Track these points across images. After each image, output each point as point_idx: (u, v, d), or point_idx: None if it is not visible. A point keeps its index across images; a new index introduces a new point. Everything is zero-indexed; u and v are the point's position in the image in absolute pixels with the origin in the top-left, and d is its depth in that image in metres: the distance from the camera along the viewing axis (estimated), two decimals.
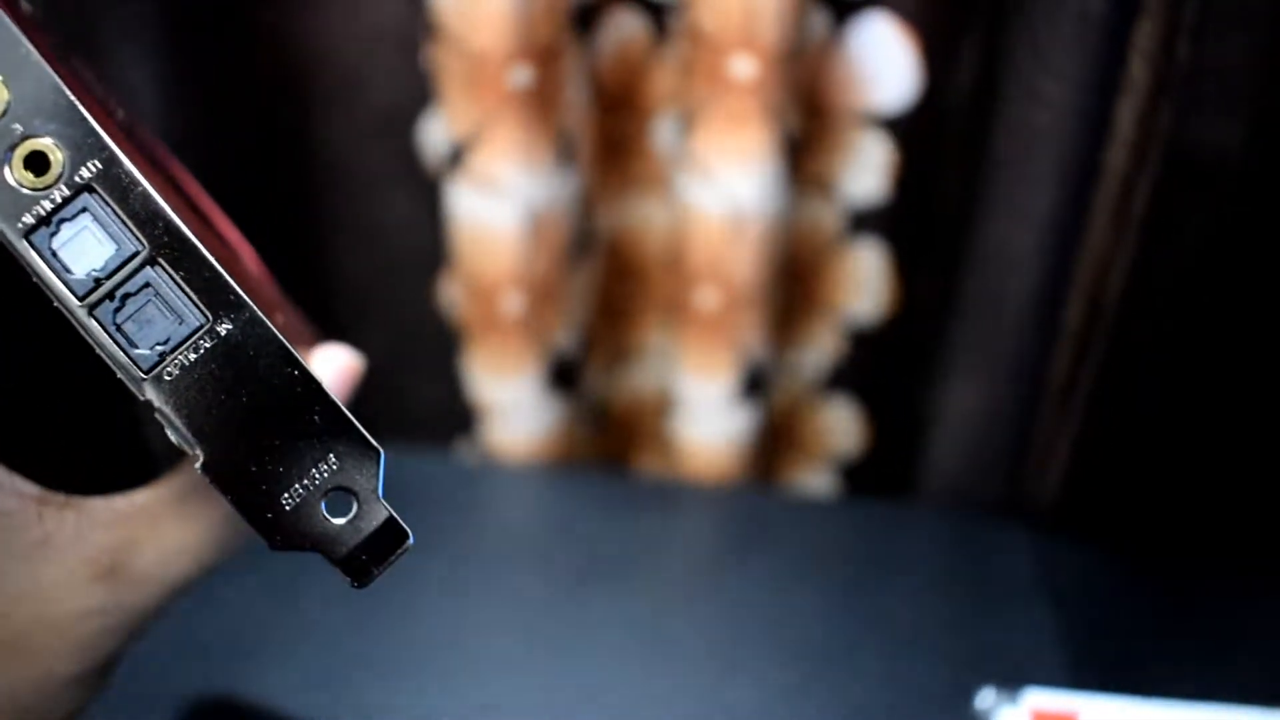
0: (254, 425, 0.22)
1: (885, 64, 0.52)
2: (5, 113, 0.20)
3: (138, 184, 0.21)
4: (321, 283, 0.60)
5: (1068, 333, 0.54)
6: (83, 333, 0.21)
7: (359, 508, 0.23)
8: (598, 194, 0.57)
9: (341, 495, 0.23)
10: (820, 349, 0.61)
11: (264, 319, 0.22)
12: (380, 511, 0.23)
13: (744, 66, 0.49)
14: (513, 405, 0.60)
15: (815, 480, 0.65)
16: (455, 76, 0.51)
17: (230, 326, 0.22)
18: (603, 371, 0.63)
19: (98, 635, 0.24)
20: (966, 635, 0.50)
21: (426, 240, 0.58)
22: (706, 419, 0.59)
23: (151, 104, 0.51)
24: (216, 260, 0.22)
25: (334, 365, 0.29)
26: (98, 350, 0.21)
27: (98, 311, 0.21)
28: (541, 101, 0.51)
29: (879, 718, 0.46)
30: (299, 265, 0.55)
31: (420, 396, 0.63)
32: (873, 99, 0.53)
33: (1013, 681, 0.46)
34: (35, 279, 0.21)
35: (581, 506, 0.58)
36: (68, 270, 0.21)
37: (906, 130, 0.53)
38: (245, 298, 0.22)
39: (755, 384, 0.59)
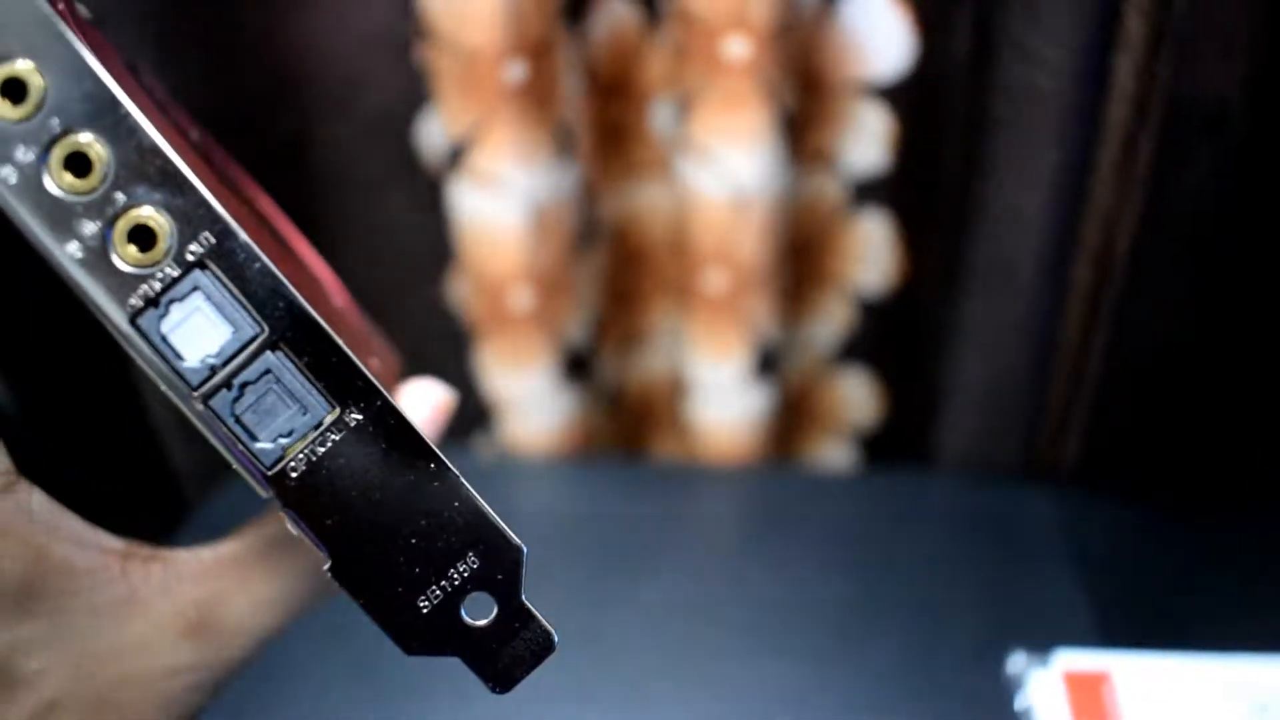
0: (387, 523, 0.20)
1: (879, 34, 0.51)
2: (105, 179, 0.18)
3: (256, 258, 0.19)
4: None
5: (1078, 291, 0.54)
6: (198, 424, 0.19)
7: (500, 609, 0.21)
8: (600, 182, 0.57)
9: (481, 596, 0.21)
10: (831, 322, 0.61)
11: (396, 406, 0.20)
12: (523, 613, 0.21)
13: (737, 47, 0.49)
14: (527, 398, 0.60)
15: (834, 453, 0.65)
16: (450, 76, 0.51)
17: (360, 417, 0.19)
18: (615, 358, 0.63)
19: (185, 692, 0.23)
20: (995, 600, 0.50)
21: (431, 239, 0.58)
22: (721, 400, 0.59)
23: None
24: (341, 339, 0.20)
25: (428, 401, 0.28)
26: (214, 443, 0.19)
27: (214, 402, 0.19)
28: (537, 96, 0.51)
29: (911, 686, 0.46)
30: None
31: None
32: (869, 69, 0.52)
33: (1043, 643, 0.46)
34: (144, 366, 0.19)
35: (602, 495, 0.59)
36: (179, 357, 0.19)
37: (905, 99, 0.53)
38: (376, 383, 0.20)
39: (768, 362, 0.59)
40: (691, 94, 0.51)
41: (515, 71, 0.50)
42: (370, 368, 0.20)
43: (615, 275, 0.60)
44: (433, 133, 0.54)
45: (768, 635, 0.49)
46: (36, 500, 0.21)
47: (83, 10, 0.23)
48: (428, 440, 0.20)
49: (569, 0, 0.51)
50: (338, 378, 0.19)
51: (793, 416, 0.63)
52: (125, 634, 0.23)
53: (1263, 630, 0.47)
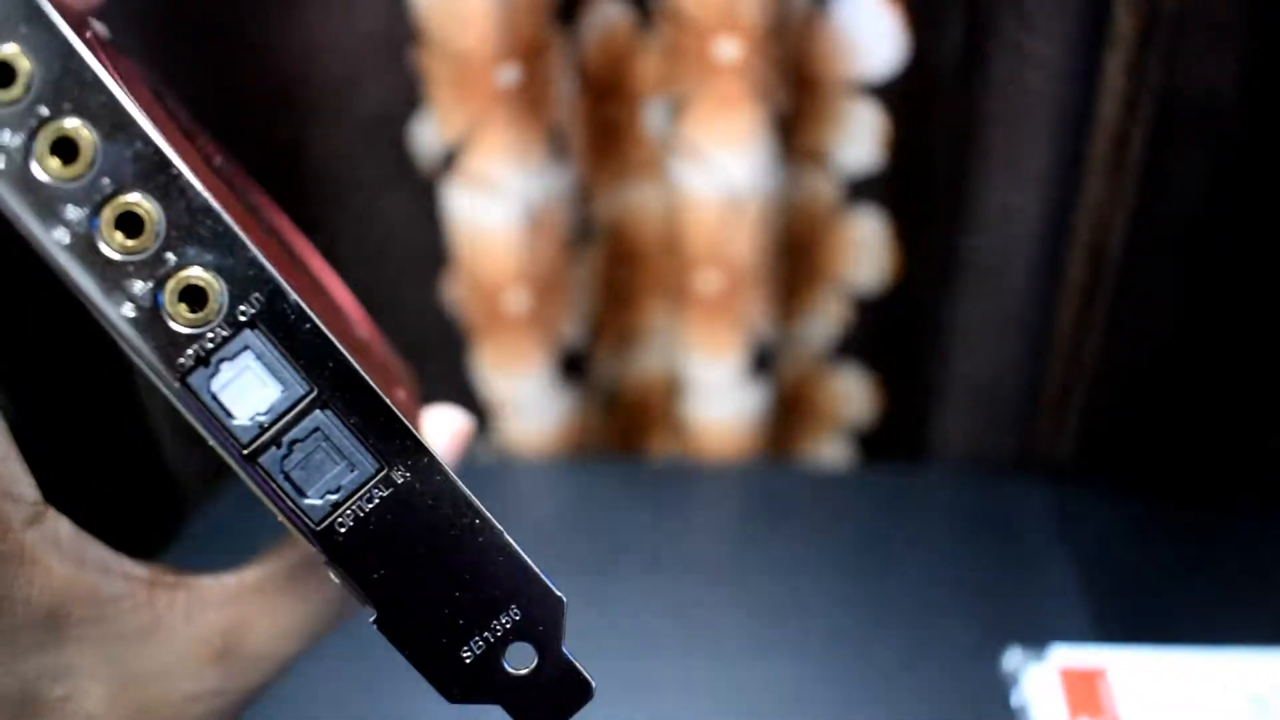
0: (433, 577, 0.20)
1: (871, 32, 0.51)
2: (156, 239, 0.18)
3: (306, 319, 0.19)
4: None
5: (1071, 287, 0.54)
6: (247, 481, 0.20)
7: (540, 659, 0.21)
8: (593, 183, 0.57)
9: (522, 646, 0.21)
10: (826, 319, 0.61)
11: (442, 464, 0.20)
12: (563, 662, 0.21)
13: (728, 49, 0.49)
14: (524, 400, 0.60)
15: (830, 450, 0.65)
16: (442, 79, 0.51)
17: (407, 474, 0.20)
18: (611, 358, 0.63)
19: (208, 716, 0.24)
20: (991, 596, 0.50)
21: (426, 241, 0.58)
22: (717, 399, 0.60)
23: None
24: (373, 377, 0.20)
25: (448, 429, 0.29)
26: (262, 499, 0.20)
27: (263, 459, 0.19)
28: (530, 98, 0.51)
29: (908, 684, 0.46)
30: None
31: (430, 397, 0.63)
32: (861, 67, 0.53)
33: (1039, 639, 0.46)
34: (194, 423, 0.19)
35: (600, 495, 0.59)
36: (229, 415, 0.19)
37: (897, 97, 0.53)
38: (423, 441, 0.20)
39: (763, 361, 0.59)
40: (684, 95, 0.51)
41: (508, 74, 0.50)
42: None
43: (610, 275, 0.60)
44: (427, 136, 0.55)
45: (765, 632, 0.49)
46: (64, 529, 0.22)
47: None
48: (472, 496, 0.20)
49: (561, 2, 0.51)
50: (385, 435, 0.20)
51: (789, 414, 0.64)
52: (150, 660, 0.23)
53: (1258, 623, 0.47)
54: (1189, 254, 0.52)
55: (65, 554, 0.22)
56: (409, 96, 0.53)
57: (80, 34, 0.18)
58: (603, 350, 0.63)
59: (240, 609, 0.24)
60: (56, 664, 0.22)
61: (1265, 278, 0.52)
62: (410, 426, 0.20)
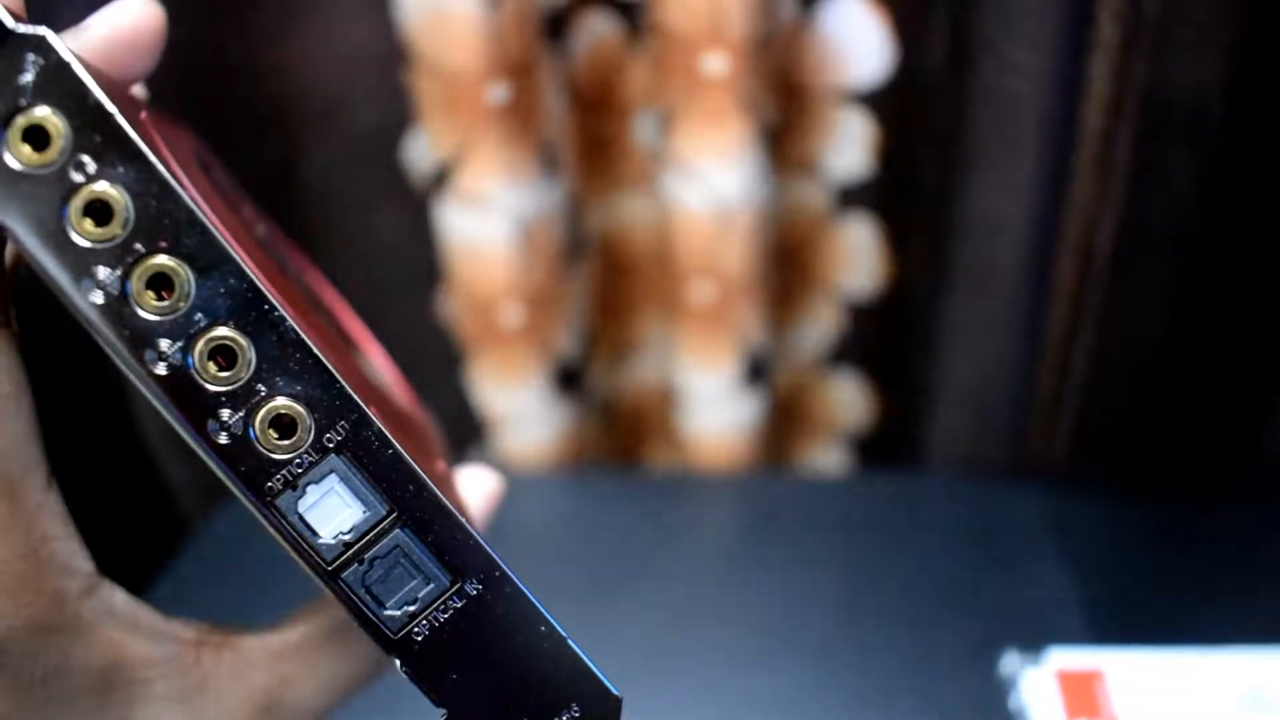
0: (500, 678, 0.21)
1: (857, 41, 0.52)
2: (248, 370, 0.19)
3: (388, 444, 0.20)
4: None
5: (1061, 290, 0.54)
6: (328, 593, 0.21)
7: None
8: (586, 196, 0.57)
9: None
10: (820, 326, 0.61)
11: (513, 577, 0.21)
12: None
13: (715, 63, 0.49)
14: (520, 413, 0.60)
15: (827, 456, 0.65)
16: (433, 99, 0.51)
17: (479, 587, 0.21)
18: (606, 371, 0.64)
19: None
20: (987, 600, 0.50)
21: (420, 257, 0.58)
22: (713, 409, 0.60)
23: None
24: (459, 512, 0.21)
25: (481, 489, 0.30)
26: (341, 606, 0.21)
27: (346, 574, 0.20)
28: (521, 115, 0.51)
29: (906, 689, 0.46)
30: None
31: (428, 411, 0.63)
32: (848, 76, 0.53)
33: (1036, 642, 0.47)
34: (280, 542, 0.20)
35: (597, 506, 0.59)
36: (315, 534, 0.20)
37: (885, 104, 0.53)
38: (495, 557, 0.21)
39: (758, 370, 0.59)
40: (672, 109, 0.52)
41: (498, 92, 0.50)
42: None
43: (604, 288, 0.61)
44: (419, 153, 0.55)
45: (764, 640, 0.49)
46: (118, 598, 0.23)
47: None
48: (539, 605, 0.21)
49: (549, 18, 0.52)
50: (459, 551, 0.21)
51: (784, 421, 0.64)
52: (198, 717, 0.24)
53: (1253, 621, 0.48)
54: (1178, 256, 0.52)
55: (118, 621, 0.22)
56: (401, 113, 0.54)
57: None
58: (598, 362, 0.63)
59: (283, 667, 0.25)
60: None
61: (1254, 279, 0.52)
62: (483, 542, 0.21)
